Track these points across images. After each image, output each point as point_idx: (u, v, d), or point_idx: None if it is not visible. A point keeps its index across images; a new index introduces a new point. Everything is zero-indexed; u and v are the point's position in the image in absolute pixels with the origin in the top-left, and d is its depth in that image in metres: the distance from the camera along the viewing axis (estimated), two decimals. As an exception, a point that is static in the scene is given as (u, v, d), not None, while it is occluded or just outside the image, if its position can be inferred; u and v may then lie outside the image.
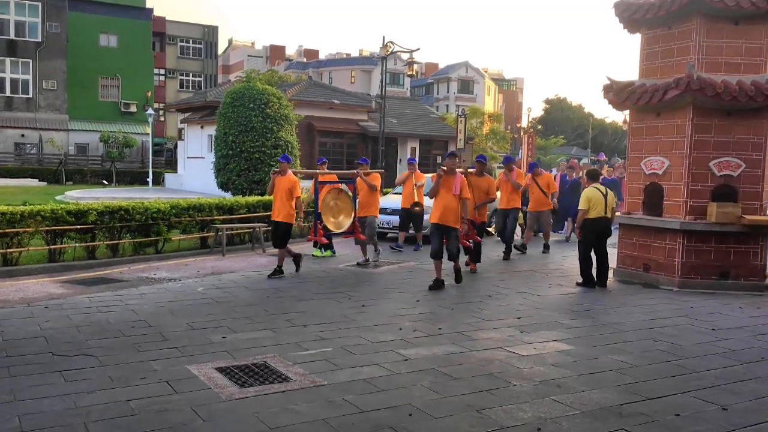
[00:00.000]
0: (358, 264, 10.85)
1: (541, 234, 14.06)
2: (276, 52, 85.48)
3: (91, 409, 4.33)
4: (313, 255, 11.66)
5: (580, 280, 9.45)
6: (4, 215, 9.66)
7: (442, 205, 8.78)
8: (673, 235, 9.37)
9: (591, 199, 9.25)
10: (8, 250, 9.78)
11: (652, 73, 9.85)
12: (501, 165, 15.37)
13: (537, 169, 13.65)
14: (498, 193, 11.92)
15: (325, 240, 11.02)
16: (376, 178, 11.22)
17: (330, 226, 10.78)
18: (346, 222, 10.92)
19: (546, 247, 13.16)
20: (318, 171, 11.27)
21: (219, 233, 12.07)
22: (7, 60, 39.92)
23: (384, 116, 25.59)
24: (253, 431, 4.06)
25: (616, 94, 9.91)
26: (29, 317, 6.83)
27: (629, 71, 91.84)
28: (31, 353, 5.54)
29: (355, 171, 11.47)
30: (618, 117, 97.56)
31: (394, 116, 31.42)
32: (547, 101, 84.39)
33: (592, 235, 9.32)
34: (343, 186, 11.26)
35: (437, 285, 8.80)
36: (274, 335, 6.31)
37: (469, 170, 10.61)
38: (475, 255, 10.42)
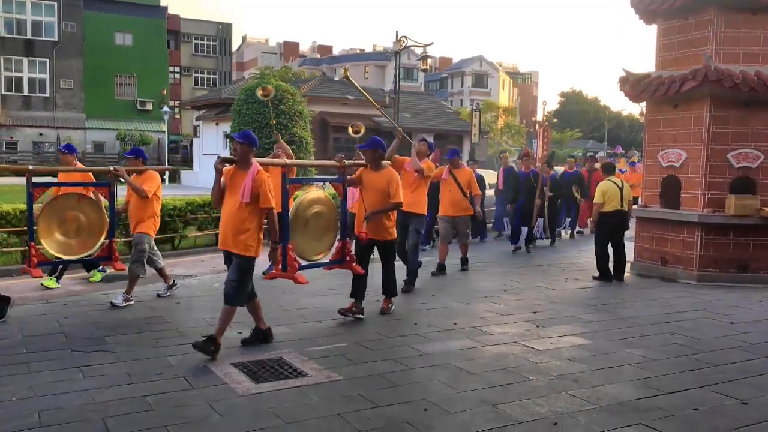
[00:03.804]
0: (113, 303, 7.24)
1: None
2: (290, 48, 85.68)
3: (109, 404, 4.37)
4: (42, 285, 8.19)
5: (597, 274, 9.39)
6: (23, 213, 9.76)
7: (223, 218, 5.66)
8: (691, 228, 9.27)
9: (606, 192, 9.19)
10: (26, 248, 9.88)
11: (668, 64, 9.73)
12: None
13: (455, 159, 9.60)
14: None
15: (40, 273, 6.97)
16: (150, 179, 7.31)
17: (54, 250, 7.03)
18: (87, 243, 7.32)
19: (464, 262, 9.93)
20: (31, 167, 7.36)
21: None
22: (25, 59, 40.46)
23: (398, 111, 25.57)
24: (269, 426, 4.08)
25: (633, 86, 9.81)
26: (48, 314, 6.90)
27: (645, 63, 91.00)
28: (50, 349, 5.60)
29: (110, 168, 7.55)
30: (634, 109, 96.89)
31: (408, 111, 31.40)
32: (563, 94, 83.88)
33: (609, 229, 9.25)
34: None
35: (253, 337, 5.89)
36: (289, 331, 6.33)
37: (357, 162, 7.11)
38: (385, 287, 7.16)
